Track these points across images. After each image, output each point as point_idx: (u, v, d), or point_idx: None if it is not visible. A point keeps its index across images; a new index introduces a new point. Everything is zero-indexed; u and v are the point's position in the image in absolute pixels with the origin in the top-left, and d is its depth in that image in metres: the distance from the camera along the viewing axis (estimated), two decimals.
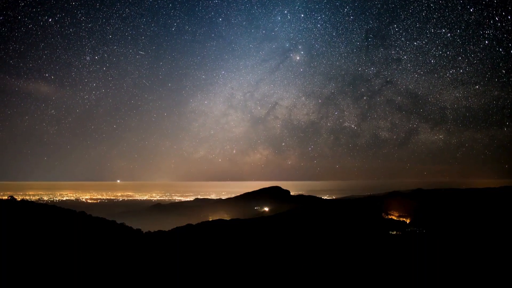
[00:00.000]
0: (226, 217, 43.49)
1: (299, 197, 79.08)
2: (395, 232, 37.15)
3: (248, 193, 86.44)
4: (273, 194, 79.98)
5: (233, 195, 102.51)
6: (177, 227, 30.51)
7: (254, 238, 27.09)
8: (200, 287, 15.26)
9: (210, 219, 39.05)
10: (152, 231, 26.29)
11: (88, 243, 17.42)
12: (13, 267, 12.85)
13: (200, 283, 15.59)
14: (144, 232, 24.75)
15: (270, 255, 21.59)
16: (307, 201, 69.55)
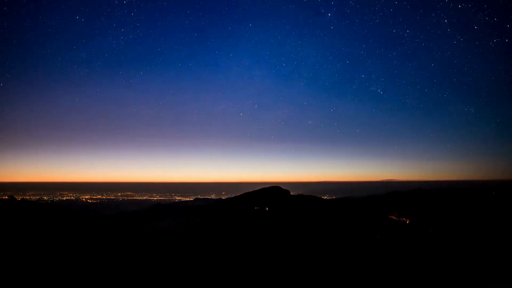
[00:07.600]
0: (226, 217, 43.42)
1: (299, 197, 78.84)
2: (395, 232, 37.09)
3: (248, 193, 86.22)
4: (273, 194, 79.82)
5: (233, 195, 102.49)
6: (177, 227, 30.51)
7: (254, 238, 27.08)
8: (200, 285, 15.26)
9: (210, 219, 39.02)
10: (152, 231, 26.29)
11: (88, 242, 17.43)
12: (13, 266, 12.85)
13: (199, 282, 15.58)
14: (144, 232, 24.75)
15: (270, 255, 21.58)
16: (307, 201, 69.41)
